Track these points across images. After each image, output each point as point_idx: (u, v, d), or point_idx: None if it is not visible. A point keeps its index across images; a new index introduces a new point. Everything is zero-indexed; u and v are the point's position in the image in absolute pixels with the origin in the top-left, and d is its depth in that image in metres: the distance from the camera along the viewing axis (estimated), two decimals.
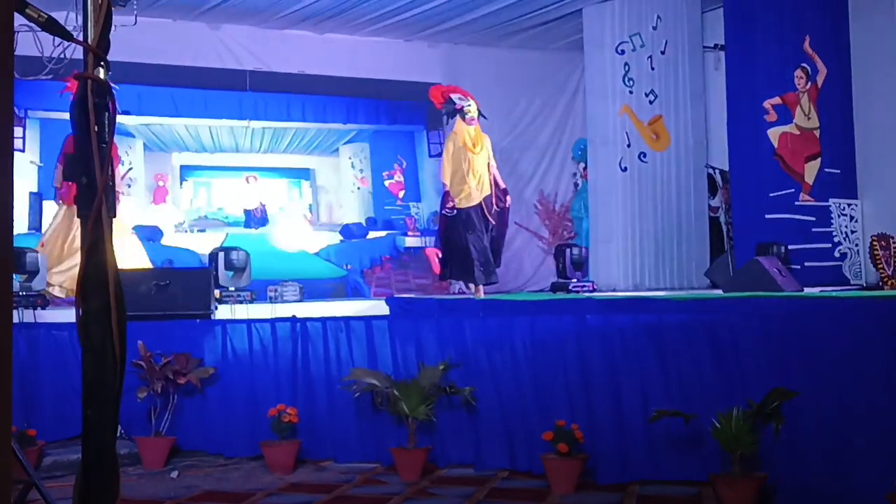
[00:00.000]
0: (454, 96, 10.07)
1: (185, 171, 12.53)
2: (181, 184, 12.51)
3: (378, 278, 13.05)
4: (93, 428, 2.00)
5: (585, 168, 13.00)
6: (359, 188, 13.37)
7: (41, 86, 8.99)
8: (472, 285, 9.82)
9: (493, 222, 9.84)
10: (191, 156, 12.53)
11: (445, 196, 9.84)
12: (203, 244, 11.79)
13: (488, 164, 9.92)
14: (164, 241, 12.05)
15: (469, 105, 9.93)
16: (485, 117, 10.22)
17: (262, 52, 12.38)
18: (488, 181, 9.84)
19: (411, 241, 13.43)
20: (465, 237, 9.65)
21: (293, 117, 12.92)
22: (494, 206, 9.84)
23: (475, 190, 9.73)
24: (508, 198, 10.11)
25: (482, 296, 9.45)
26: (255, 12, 11.70)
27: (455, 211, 9.73)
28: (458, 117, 10.00)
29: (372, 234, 13.28)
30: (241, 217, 12.94)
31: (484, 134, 10.05)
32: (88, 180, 1.91)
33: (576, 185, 13.77)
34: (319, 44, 12.68)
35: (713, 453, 5.56)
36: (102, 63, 1.95)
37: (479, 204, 9.73)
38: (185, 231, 12.21)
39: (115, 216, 1.96)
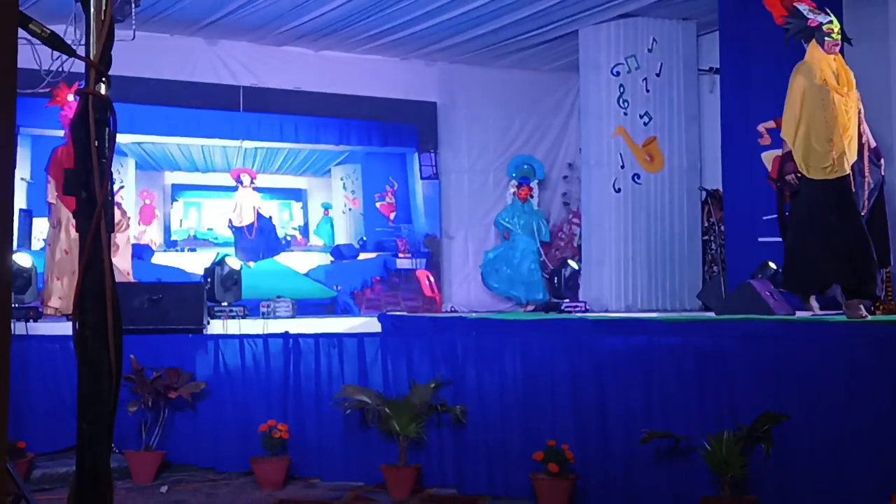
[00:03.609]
0: (802, 7, 6.72)
1: (177, 190, 12.46)
2: (172, 203, 12.42)
3: (368, 300, 12.99)
4: (87, 441, 2.01)
5: (518, 186, 13.20)
6: (350, 209, 13.34)
7: (33, 102, 8.95)
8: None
9: (866, 202, 6.53)
10: (182, 175, 12.47)
11: (786, 159, 6.76)
12: (193, 264, 11.73)
13: (859, 112, 6.67)
14: (154, 259, 12.00)
15: (830, 22, 6.59)
16: (849, 42, 6.91)
17: (258, 69, 12.41)
18: (856, 140, 6.55)
19: (402, 263, 13.38)
20: (815, 224, 6.47)
21: (286, 138, 12.89)
22: (867, 177, 6.54)
23: (841, 151, 6.43)
24: (883, 162, 6.74)
25: (865, 316, 6.33)
26: (253, 28, 11.73)
27: (802, 184, 6.57)
28: (813, 41, 6.68)
29: (363, 256, 13.25)
30: (231, 237, 12.46)
31: (849, 68, 6.72)
32: (88, 195, 1.93)
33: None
34: (315, 61, 12.72)
35: (703, 476, 5.56)
36: (104, 79, 1.97)
37: (846, 175, 6.43)
38: (177, 250, 12.14)
39: (113, 231, 1.98)
